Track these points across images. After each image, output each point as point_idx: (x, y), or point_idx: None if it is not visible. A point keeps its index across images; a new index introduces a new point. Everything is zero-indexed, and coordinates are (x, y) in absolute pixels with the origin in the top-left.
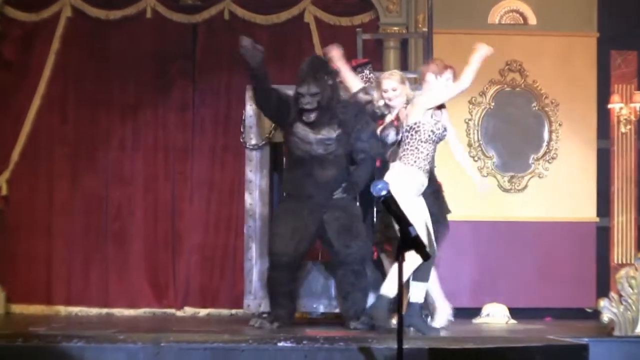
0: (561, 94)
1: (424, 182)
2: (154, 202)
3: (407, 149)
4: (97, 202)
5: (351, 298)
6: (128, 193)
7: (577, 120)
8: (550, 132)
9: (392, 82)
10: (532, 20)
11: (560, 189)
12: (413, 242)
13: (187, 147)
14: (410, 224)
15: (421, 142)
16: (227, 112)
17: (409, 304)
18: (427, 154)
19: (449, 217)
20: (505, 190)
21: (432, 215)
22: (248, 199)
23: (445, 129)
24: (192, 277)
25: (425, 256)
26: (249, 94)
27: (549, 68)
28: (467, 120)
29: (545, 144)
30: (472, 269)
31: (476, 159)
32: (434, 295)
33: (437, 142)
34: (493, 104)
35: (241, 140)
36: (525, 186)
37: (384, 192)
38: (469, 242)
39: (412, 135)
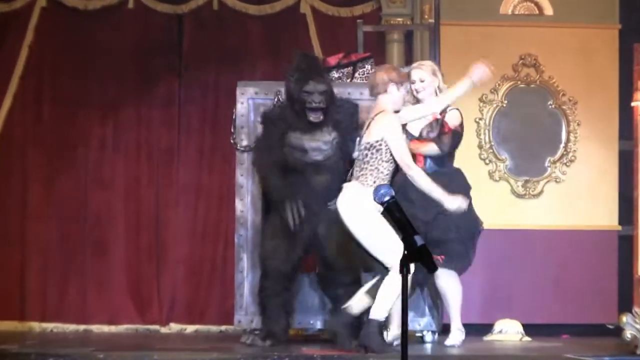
0: (580, 91)
1: None
2: (136, 209)
3: (366, 168)
4: (74, 209)
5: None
6: (108, 198)
7: (597, 120)
8: (568, 132)
9: (422, 73)
10: (549, 10)
11: (578, 194)
12: (419, 253)
13: (172, 149)
14: (416, 233)
15: (382, 161)
16: (216, 111)
17: (368, 319)
18: (388, 174)
19: None
20: (519, 196)
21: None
22: (239, 205)
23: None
24: (178, 290)
25: (433, 268)
26: (240, 91)
27: (566, 63)
28: (477, 120)
29: (562, 145)
30: (482, 281)
31: (487, 162)
32: (451, 311)
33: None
34: (506, 101)
35: (231, 141)
36: (541, 191)
37: (386, 198)
38: (479, 253)
39: (372, 153)
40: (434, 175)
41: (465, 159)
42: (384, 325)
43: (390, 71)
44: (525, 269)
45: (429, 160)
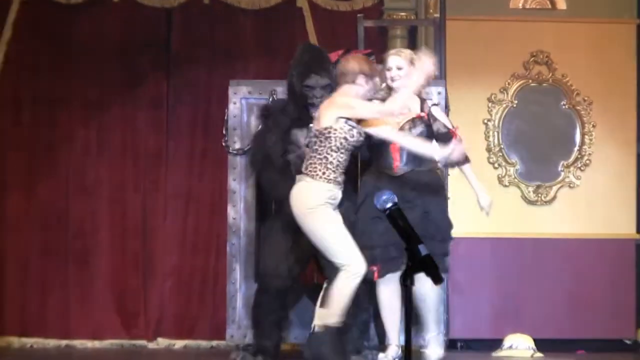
0: (595, 90)
1: (335, 195)
2: (121, 217)
3: (315, 157)
4: (55, 217)
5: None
6: (92, 206)
7: (613, 121)
8: (583, 134)
9: (400, 60)
10: (562, 4)
11: (594, 200)
12: (423, 263)
13: (160, 152)
14: (420, 241)
15: (331, 150)
16: (207, 111)
17: (318, 326)
18: (338, 165)
19: (465, 233)
20: (531, 202)
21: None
22: (231, 212)
23: (362, 135)
24: (167, 303)
25: (438, 279)
26: (232, 90)
27: (581, 60)
28: (485, 121)
29: (576, 148)
30: (491, 294)
31: (496, 165)
32: (430, 318)
33: (352, 151)
34: (516, 101)
35: (223, 144)
36: (554, 197)
37: (389, 205)
38: (488, 263)
39: (321, 142)
40: (407, 175)
41: (473, 162)
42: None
43: (363, 62)
44: (536, 280)
45: (405, 156)
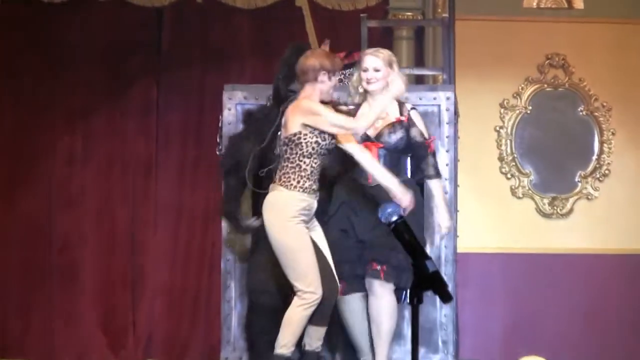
0: (615, 95)
1: (311, 205)
2: (108, 230)
3: (287, 166)
4: (38, 230)
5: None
6: (77, 218)
7: (634, 128)
8: (601, 142)
9: (377, 61)
10: (579, 3)
11: (613, 213)
12: (430, 280)
13: (150, 161)
14: (428, 257)
15: (304, 157)
16: (200, 118)
17: (305, 352)
18: (312, 171)
19: (475, 248)
20: (546, 216)
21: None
22: (226, 226)
23: (333, 138)
24: (157, 322)
25: (447, 297)
26: (226, 95)
27: (599, 63)
28: (497, 128)
29: (594, 157)
30: (503, 313)
31: (509, 176)
32: (380, 340)
33: (325, 155)
34: (530, 107)
35: (217, 153)
36: (570, 210)
37: (394, 218)
38: (500, 280)
39: (291, 149)
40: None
41: (485, 173)
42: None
43: (323, 57)
44: (552, 299)
45: (382, 160)
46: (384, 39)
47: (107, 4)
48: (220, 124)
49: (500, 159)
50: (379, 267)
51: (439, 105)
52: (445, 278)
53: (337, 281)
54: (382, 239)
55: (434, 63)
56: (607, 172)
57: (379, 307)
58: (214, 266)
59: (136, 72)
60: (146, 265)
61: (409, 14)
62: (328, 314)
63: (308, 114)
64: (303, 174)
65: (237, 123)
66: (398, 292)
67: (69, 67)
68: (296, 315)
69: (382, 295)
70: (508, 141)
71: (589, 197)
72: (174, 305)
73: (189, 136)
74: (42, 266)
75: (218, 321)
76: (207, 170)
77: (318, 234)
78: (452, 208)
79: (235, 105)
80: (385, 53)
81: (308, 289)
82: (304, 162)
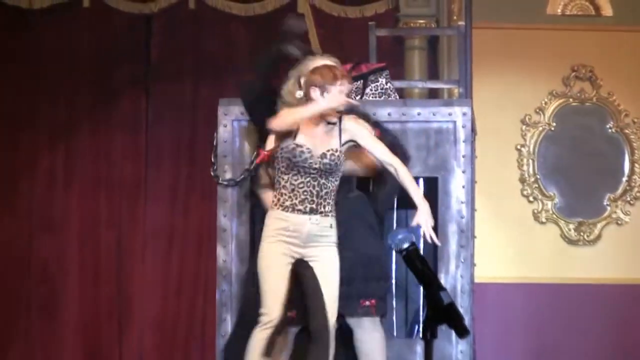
0: None
1: (295, 227)
2: (93, 258)
3: (275, 182)
4: (16, 257)
5: None
6: (58, 245)
7: None
8: (632, 162)
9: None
10: (608, 10)
11: None
12: (446, 313)
13: (138, 182)
14: (442, 288)
15: (281, 173)
16: (193, 135)
17: None
18: (293, 189)
19: (495, 278)
20: (571, 242)
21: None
22: (221, 253)
23: (310, 150)
24: (146, 357)
25: (464, 332)
26: (222, 111)
27: (630, 75)
28: (518, 147)
29: (625, 179)
30: (525, 345)
31: (531, 199)
32: None
33: (304, 169)
34: (554, 124)
35: (212, 173)
36: (598, 236)
37: (405, 245)
38: (521, 313)
39: (274, 165)
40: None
41: (505, 196)
42: None
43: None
44: (578, 332)
45: None
46: (394, 49)
47: (91, 10)
48: (215, 142)
49: (522, 180)
50: (368, 303)
51: (454, 122)
52: (461, 310)
53: (328, 318)
54: (361, 270)
55: (449, 75)
56: (638, 194)
57: (372, 341)
58: (208, 298)
59: (123, 85)
60: (134, 296)
61: (422, 21)
62: (326, 356)
63: (272, 120)
64: (283, 190)
65: (233, 140)
66: (411, 326)
67: (50, 79)
68: (253, 337)
69: (374, 329)
70: (530, 161)
71: (619, 222)
72: (164, 339)
73: (181, 155)
74: (20, 297)
75: (213, 357)
76: (201, 193)
77: (322, 265)
78: (470, 234)
79: (231, 122)
80: (336, 61)
81: (263, 310)
82: (283, 179)
